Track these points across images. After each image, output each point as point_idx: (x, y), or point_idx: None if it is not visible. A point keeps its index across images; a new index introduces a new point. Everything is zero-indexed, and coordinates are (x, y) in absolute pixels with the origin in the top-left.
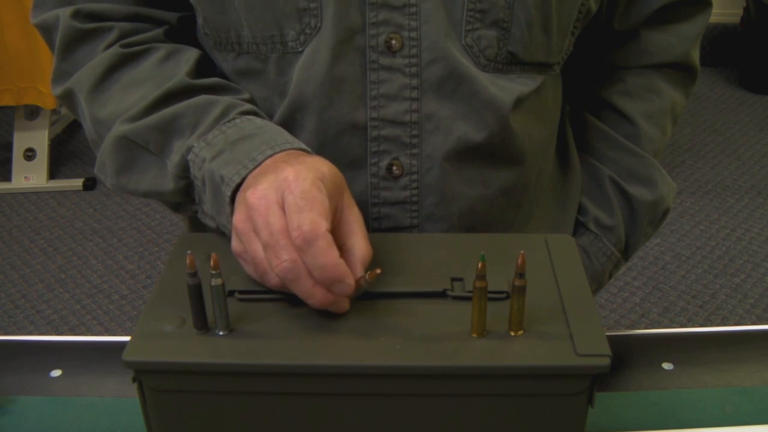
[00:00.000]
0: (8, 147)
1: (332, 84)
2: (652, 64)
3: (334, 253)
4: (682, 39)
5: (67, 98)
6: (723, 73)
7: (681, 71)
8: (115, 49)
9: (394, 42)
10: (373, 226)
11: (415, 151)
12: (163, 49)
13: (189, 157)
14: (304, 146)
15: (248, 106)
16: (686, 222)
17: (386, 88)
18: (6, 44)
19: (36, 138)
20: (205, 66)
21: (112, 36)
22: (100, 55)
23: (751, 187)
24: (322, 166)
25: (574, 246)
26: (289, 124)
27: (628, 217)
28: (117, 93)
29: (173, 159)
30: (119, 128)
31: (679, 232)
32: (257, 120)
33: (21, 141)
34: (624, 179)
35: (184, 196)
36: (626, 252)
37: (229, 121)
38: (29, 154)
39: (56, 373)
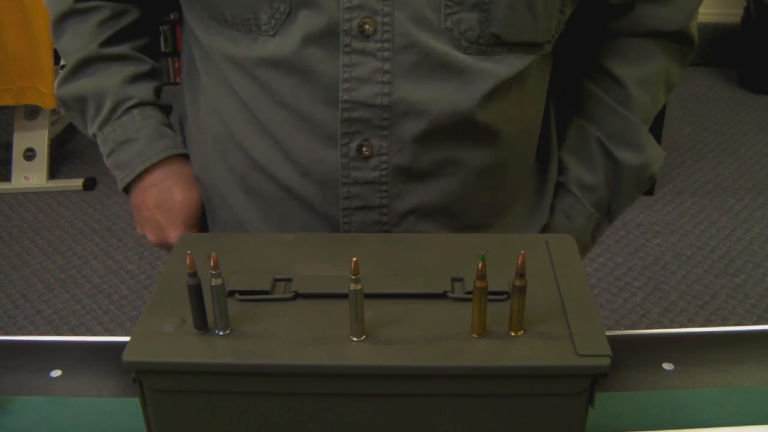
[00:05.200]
0: (8, 147)
1: (306, 65)
2: (649, 32)
3: None
4: (680, 11)
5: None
6: (723, 73)
7: (678, 42)
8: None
9: (367, 27)
10: (343, 205)
11: (385, 133)
12: (107, 9)
13: (98, 142)
14: (176, 151)
15: (135, 100)
16: (687, 222)
17: (359, 71)
18: (6, 44)
19: (36, 138)
20: (139, 28)
21: None
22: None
23: (752, 187)
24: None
25: (574, 246)
26: (267, 96)
27: (612, 179)
28: (67, 37)
29: (89, 132)
30: (58, 90)
31: (679, 232)
32: (138, 119)
33: (21, 141)
34: (611, 142)
35: None
36: (610, 213)
37: (118, 118)
38: (29, 154)
39: (56, 373)
